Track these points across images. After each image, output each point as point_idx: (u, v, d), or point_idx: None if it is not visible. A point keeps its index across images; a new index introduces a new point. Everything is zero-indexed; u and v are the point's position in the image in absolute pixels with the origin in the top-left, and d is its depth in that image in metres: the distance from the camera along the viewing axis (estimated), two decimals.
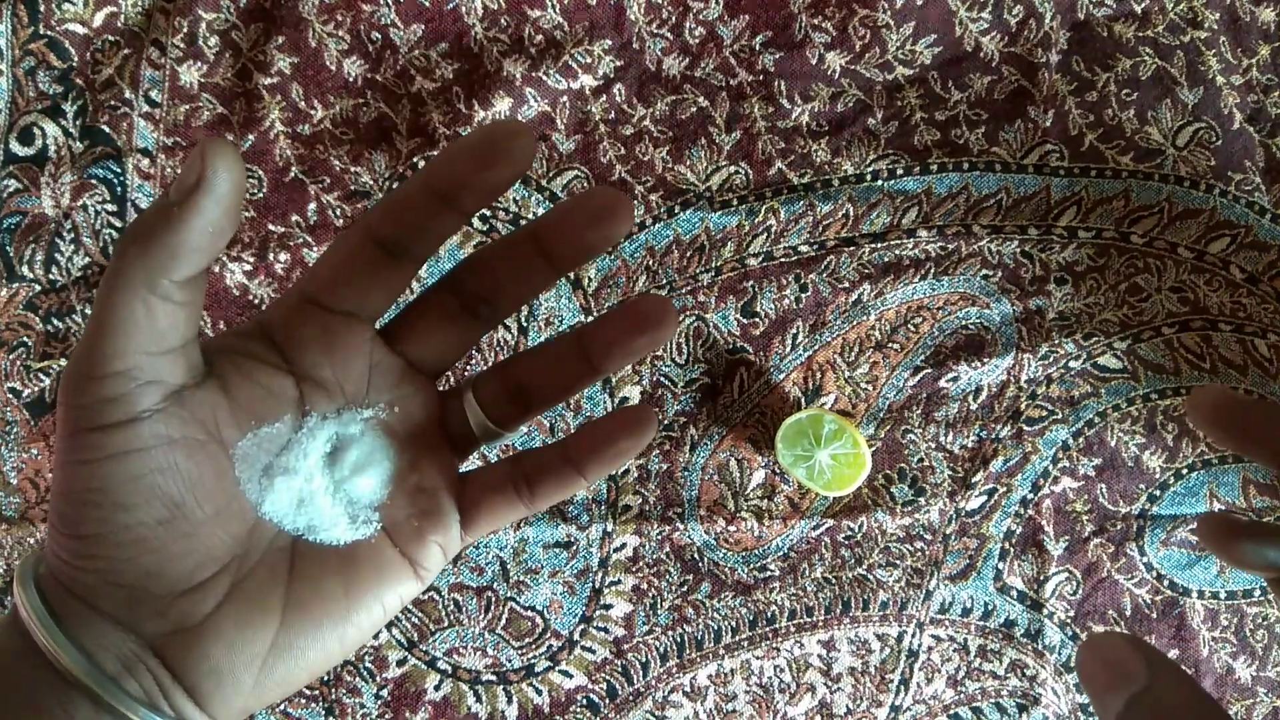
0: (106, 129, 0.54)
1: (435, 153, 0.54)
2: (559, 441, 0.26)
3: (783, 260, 0.55)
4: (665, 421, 0.55)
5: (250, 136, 0.54)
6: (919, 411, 0.55)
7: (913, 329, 0.55)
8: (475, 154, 0.22)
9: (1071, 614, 0.55)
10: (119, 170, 0.54)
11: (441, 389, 0.28)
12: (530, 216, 0.55)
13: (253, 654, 0.23)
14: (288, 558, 0.25)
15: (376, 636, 0.54)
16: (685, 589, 0.54)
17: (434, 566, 0.26)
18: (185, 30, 0.53)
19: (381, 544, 0.25)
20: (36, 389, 0.54)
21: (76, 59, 0.54)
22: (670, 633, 0.54)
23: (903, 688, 0.55)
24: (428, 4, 0.54)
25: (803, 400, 0.55)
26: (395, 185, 0.54)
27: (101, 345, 0.22)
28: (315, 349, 0.25)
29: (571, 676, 0.54)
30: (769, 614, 0.54)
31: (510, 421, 0.27)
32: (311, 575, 0.24)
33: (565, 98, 0.54)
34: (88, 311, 0.54)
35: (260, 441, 0.24)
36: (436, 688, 0.54)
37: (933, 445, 0.55)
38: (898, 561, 0.55)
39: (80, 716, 0.22)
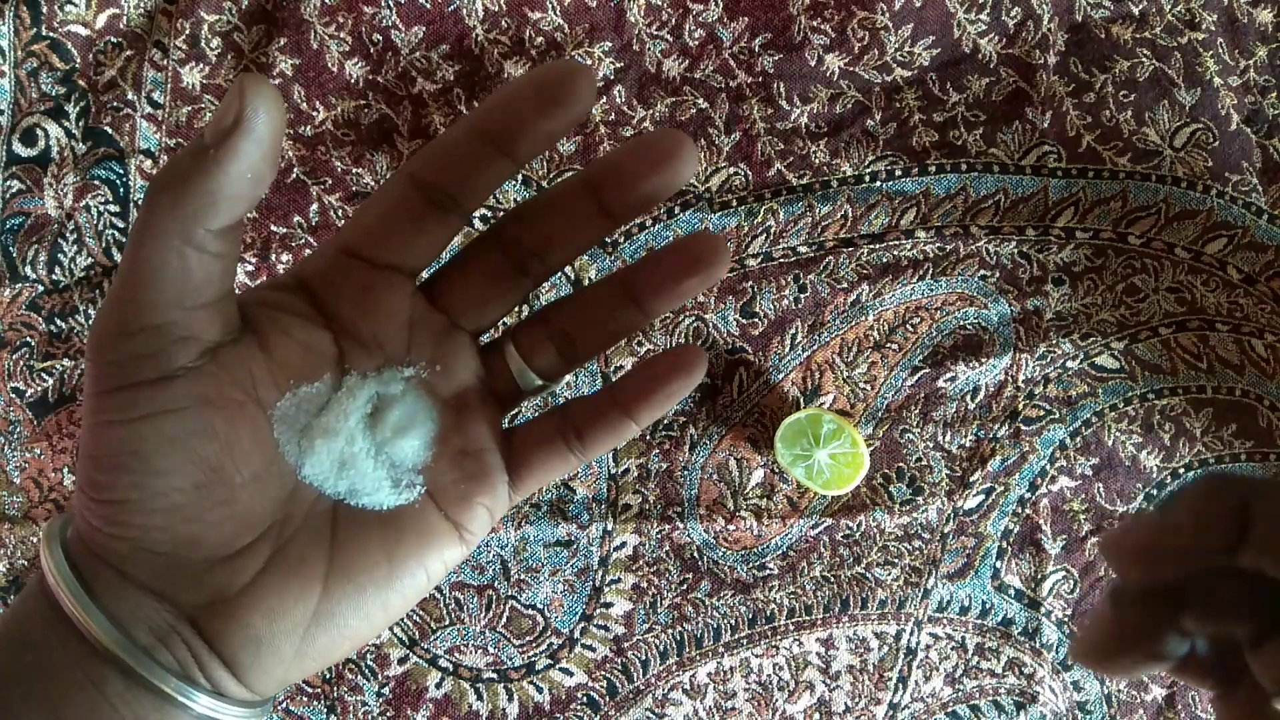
0: (109, 130, 0.54)
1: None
2: (607, 387, 0.25)
3: (782, 261, 0.55)
4: (665, 421, 0.55)
5: None
6: (917, 411, 0.55)
7: (911, 329, 0.55)
8: (535, 96, 0.21)
9: (1069, 612, 0.55)
10: (122, 171, 0.54)
11: (482, 344, 0.26)
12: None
13: (294, 623, 0.22)
14: (329, 523, 0.23)
15: (378, 635, 0.54)
16: (685, 587, 0.55)
17: (480, 530, 0.25)
18: (187, 32, 0.54)
19: (425, 508, 0.24)
20: (40, 389, 0.54)
21: (79, 60, 0.54)
22: (670, 631, 0.55)
23: (901, 685, 0.55)
24: (429, 6, 0.54)
25: (801, 400, 0.55)
26: None
27: (134, 298, 0.20)
28: (354, 304, 0.23)
29: (572, 674, 0.54)
30: (768, 612, 0.55)
31: (555, 373, 0.26)
32: (354, 541, 0.23)
33: None
34: (91, 312, 0.54)
35: (300, 401, 0.23)
36: (438, 685, 0.54)
37: (931, 445, 0.55)
38: (896, 560, 0.55)
39: (110, 689, 0.20)
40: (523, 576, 0.54)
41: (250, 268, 0.54)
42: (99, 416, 0.21)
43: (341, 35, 0.54)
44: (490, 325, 0.25)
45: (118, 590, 0.21)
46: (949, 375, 0.55)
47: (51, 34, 0.54)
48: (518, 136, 0.21)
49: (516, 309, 0.55)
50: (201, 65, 0.54)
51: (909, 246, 0.55)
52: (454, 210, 0.23)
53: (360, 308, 0.23)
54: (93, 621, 0.20)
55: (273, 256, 0.54)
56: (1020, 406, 0.55)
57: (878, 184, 0.55)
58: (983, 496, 0.55)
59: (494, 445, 0.25)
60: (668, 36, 0.55)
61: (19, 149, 0.54)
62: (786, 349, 0.55)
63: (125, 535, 0.21)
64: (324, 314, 0.23)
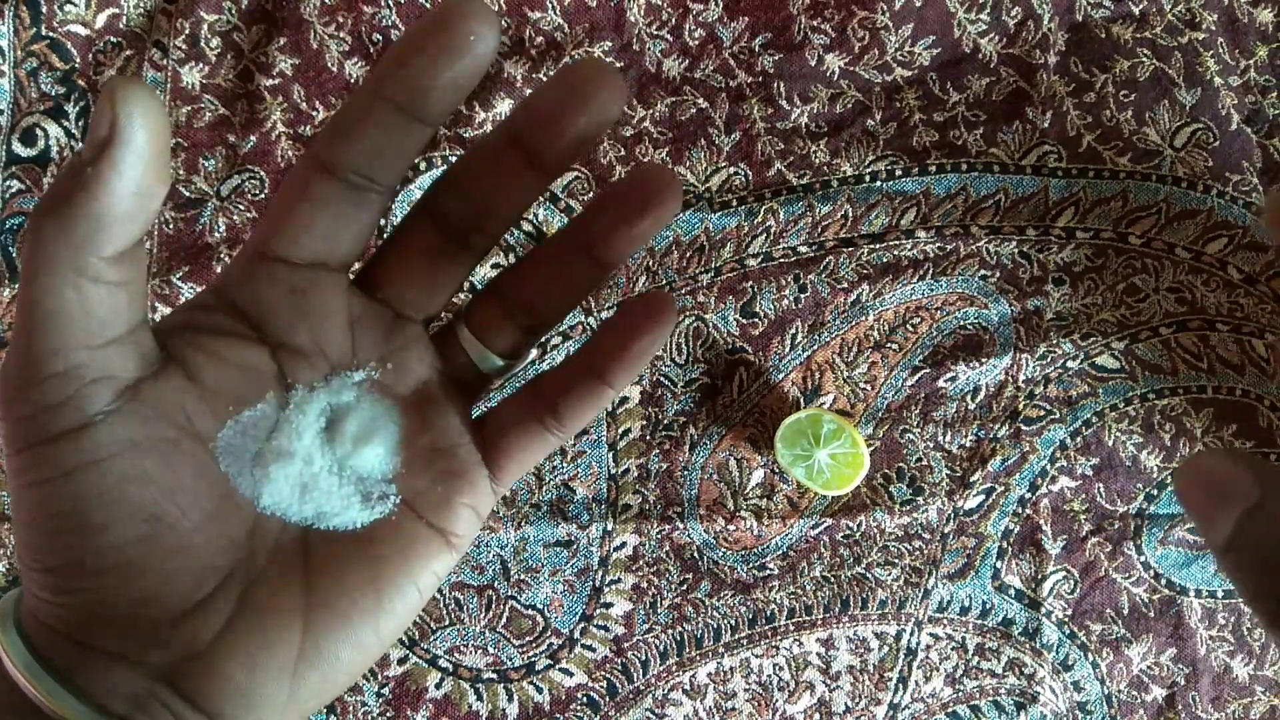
0: None
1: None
2: (577, 353, 0.23)
3: (782, 261, 0.55)
4: (665, 421, 0.55)
5: (252, 138, 0.54)
6: (917, 411, 0.55)
7: (911, 329, 0.55)
8: (432, 46, 0.18)
9: (1069, 613, 0.55)
10: None
11: (433, 331, 0.24)
12: (539, 228, 0.55)
13: (279, 667, 0.20)
14: (300, 553, 0.22)
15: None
16: (685, 588, 0.55)
17: (467, 532, 0.23)
18: (187, 32, 0.53)
19: (404, 519, 0.22)
20: None
21: (79, 60, 0.54)
22: (670, 631, 0.55)
23: (901, 686, 0.55)
24: (429, 6, 0.54)
25: (802, 400, 0.55)
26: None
27: (34, 345, 0.18)
28: (285, 311, 0.21)
29: (572, 674, 0.54)
30: (768, 612, 0.55)
31: (517, 350, 0.23)
32: (331, 567, 0.21)
33: None
34: None
35: (244, 428, 0.21)
36: (438, 686, 0.54)
37: (931, 445, 0.55)
38: (896, 560, 0.55)
39: None
40: (522, 577, 0.54)
41: None
42: (21, 479, 0.19)
43: (341, 35, 0.54)
44: (439, 310, 0.23)
45: (82, 662, 0.19)
46: (949, 375, 0.55)
47: (51, 34, 0.54)
48: (423, 95, 0.19)
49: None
50: (201, 65, 0.54)
51: (909, 246, 0.55)
52: (371, 189, 0.20)
53: (293, 314, 0.21)
54: (60, 702, 0.18)
55: None
56: (1021, 406, 0.55)
57: (878, 184, 0.55)
58: (983, 497, 0.55)
59: (466, 439, 0.23)
60: (668, 36, 0.55)
61: (19, 149, 0.54)
62: (787, 349, 0.55)
63: (75, 603, 0.19)
64: (254, 328, 0.21)
